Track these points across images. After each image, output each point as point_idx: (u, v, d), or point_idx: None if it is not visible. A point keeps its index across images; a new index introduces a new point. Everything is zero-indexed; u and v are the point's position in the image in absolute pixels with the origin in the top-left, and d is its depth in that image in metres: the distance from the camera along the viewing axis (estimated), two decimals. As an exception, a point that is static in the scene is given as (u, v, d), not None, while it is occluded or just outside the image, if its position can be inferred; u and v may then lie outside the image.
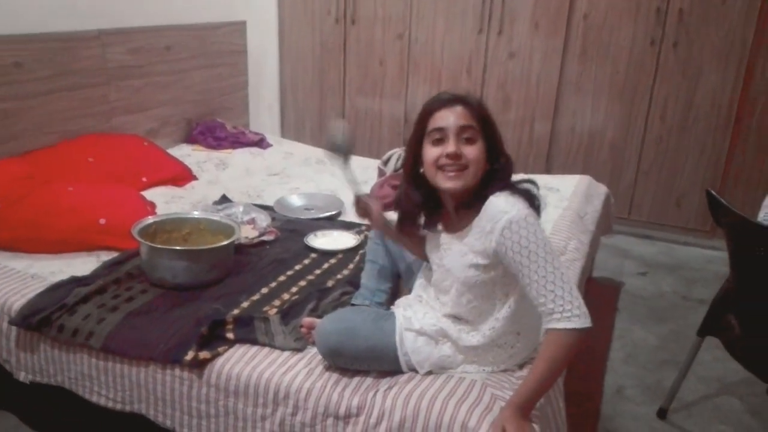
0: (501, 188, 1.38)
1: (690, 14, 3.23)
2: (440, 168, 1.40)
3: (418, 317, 1.52)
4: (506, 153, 1.45)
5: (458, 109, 1.39)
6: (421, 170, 1.46)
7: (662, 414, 2.10)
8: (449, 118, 1.39)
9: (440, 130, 1.39)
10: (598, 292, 2.91)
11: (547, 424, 1.47)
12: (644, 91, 3.44)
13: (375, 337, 1.48)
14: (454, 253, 1.46)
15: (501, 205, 1.34)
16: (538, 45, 3.56)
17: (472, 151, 1.38)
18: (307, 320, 1.62)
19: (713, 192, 1.81)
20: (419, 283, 1.69)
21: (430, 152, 1.41)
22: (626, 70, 3.44)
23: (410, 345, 1.48)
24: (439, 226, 1.54)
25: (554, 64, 3.56)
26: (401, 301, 1.67)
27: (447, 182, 1.40)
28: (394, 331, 1.50)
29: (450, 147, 1.37)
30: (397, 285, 1.86)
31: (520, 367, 1.51)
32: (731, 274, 1.85)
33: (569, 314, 1.26)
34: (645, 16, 3.32)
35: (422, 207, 1.53)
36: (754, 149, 3.32)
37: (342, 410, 1.43)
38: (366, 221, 1.72)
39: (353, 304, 1.76)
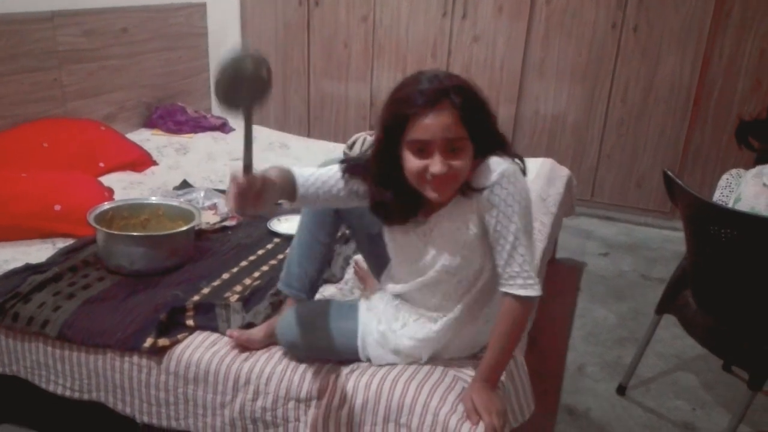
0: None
1: (650, -2, 3.28)
2: (423, 181, 1.25)
3: (397, 334, 1.42)
4: (502, 137, 1.32)
5: (444, 116, 1.20)
6: (394, 173, 1.29)
7: (621, 390, 2.14)
8: (434, 129, 1.20)
9: (423, 142, 1.22)
10: (561, 273, 2.95)
11: (512, 401, 1.49)
12: (606, 74, 3.48)
13: (335, 343, 1.47)
14: (444, 230, 1.34)
15: (492, 162, 1.27)
16: (502, 29, 3.56)
17: (460, 163, 1.23)
18: (234, 333, 1.53)
19: (670, 173, 1.84)
20: (392, 287, 1.49)
21: (413, 163, 1.24)
22: (588, 53, 3.48)
23: (373, 352, 1.45)
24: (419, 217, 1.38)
25: (518, 47, 3.57)
26: (373, 305, 1.51)
27: (432, 193, 1.26)
28: (355, 334, 1.45)
29: (436, 166, 1.21)
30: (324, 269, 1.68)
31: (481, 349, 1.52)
32: (687, 252, 1.89)
33: (532, 281, 1.28)
34: (606, 0, 3.35)
35: (397, 202, 1.34)
36: (712, 131, 3.40)
37: (303, 393, 1.43)
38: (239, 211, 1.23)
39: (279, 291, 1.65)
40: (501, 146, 1.31)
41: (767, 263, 1.62)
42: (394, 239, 1.44)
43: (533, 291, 1.28)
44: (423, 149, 1.22)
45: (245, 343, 1.52)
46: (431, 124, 1.20)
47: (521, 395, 1.54)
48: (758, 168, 1.82)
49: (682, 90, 3.37)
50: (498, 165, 1.26)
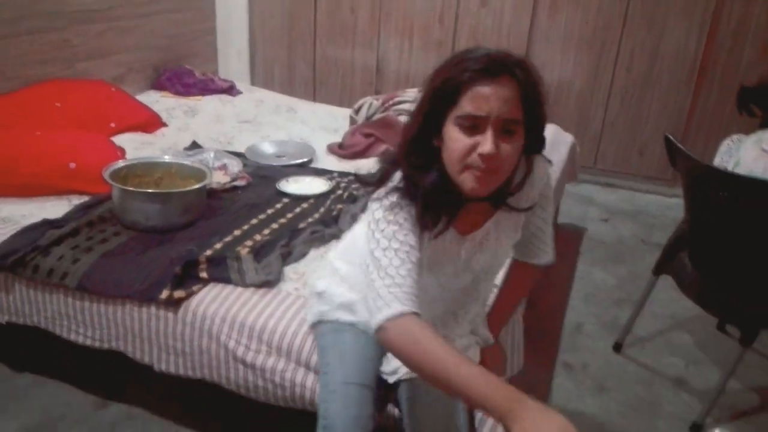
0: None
1: (658, -36, 3.27)
2: (466, 165, 1.05)
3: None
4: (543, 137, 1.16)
5: (506, 90, 1.02)
6: (435, 143, 1.09)
7: (617, 348, 2.22)
8: (492, 104, 1.01)
9: (477, 118, 1.02)
10: (562, 238, 3.00)
11: (507, 355, 1.56)
12: (612, 42, 3.48)
13: None
14: (501, 235, 1.25)
15: (538, 161, 1.19)
16: (509, -6, 3.56)
17: (509, 150, 1.04)
18: None
19: (671, 137, 1.88)
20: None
21: (458, 140, 1.04)
22: (595, 21, 3.48)
23: None
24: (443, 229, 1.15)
25: (525, 14, 3.57)
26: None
27: (471, 182, 1.06)
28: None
29: (486, 145, 1.01)
30: None
31: None
32: (686, 215, 1.94)
33: (549, 249, 1.37)
34: (614, -34, 3.35)
35: (442, 187, 1.10)
36: (717, 99, 3.42)
37: (315, 362, 1.45)
38: None
39: None
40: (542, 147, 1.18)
41: (763, 225, 1.68)
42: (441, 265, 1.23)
43: (550, 257, 1.39)
44: (476, 125, 1.02)
45: None
46: (490, 95, 1.01)
47: (515, 351, 1.61)
48: (759, 133, 1.86)
49: (687, 59, 3.39)
50: (544, 166, 1.20)
